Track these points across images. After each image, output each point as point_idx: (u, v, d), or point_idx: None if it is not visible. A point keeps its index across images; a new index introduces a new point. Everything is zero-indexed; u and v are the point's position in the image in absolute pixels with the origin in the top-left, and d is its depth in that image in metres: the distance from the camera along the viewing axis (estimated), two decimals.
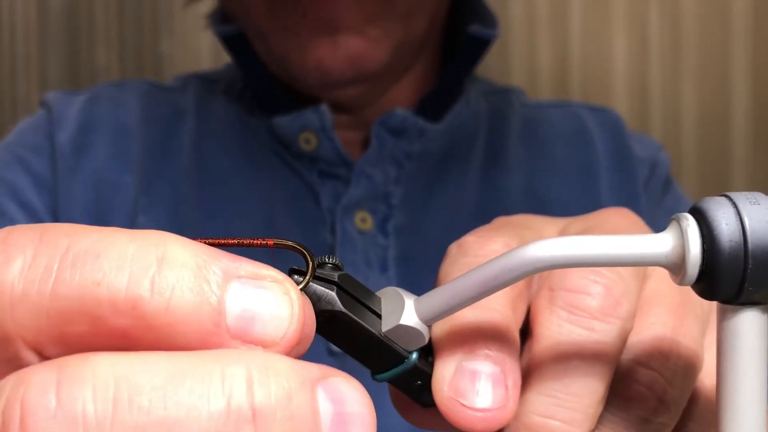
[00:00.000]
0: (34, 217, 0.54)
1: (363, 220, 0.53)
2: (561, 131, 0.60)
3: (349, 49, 0.50)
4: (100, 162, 0.55)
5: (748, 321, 0.21)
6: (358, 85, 0.52)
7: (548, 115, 0.62)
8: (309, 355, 0.16)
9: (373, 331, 0.23)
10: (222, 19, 0.56)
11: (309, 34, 0.50)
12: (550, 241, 0.21)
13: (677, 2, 1.15)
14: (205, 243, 0.18)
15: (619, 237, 0.21)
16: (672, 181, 0.62)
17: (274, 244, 0.22)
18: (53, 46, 1.30)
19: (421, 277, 0.52)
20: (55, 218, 0.54)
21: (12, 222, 0.53)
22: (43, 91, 1.30)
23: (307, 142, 0.53)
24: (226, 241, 0.21)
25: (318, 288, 0.22)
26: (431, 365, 0.24)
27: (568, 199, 0.57)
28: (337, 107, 0.55)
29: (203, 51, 1.25)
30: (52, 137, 0.56)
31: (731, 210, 0.20)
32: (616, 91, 1.17)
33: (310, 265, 0.22)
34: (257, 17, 0.52)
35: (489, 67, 0.59)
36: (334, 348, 0.50)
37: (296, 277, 0.22)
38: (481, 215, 0.55)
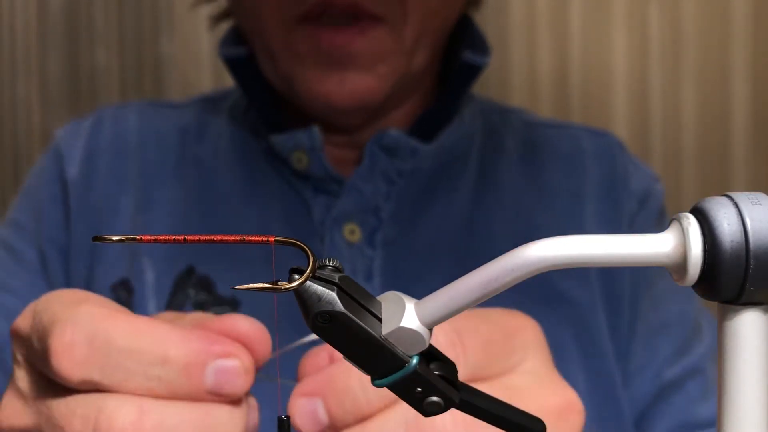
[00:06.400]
0: (44, 263, 0.57)
1: (351, 232, 0.54)
2: (555, 154, 0.61)
3: (355, 85, 0.51)
4: (102, 184, 0.57)
5: (749, 321, 0.21)
6: (358, 114, 0.54)
7: (545, 136, 0.62)
8: None
9: (373, 333, 0.22)
10: (232, 41, 0.58)
11: (320, 66, 0.51)
12: (551, 241, 0.21)
13: (677, 2, 1.15)
14: (207, 240, 0.18)
15: (621, 237, 0.21)
16: (665, 214, 0.61)
17: (275, 240, 0.22)
18: (53, 46, 1.30)
19: (405, 289, 0.52)
20: (66, 256, 0.56)
21: (32, 267, 0.57)
22: (43, 91, 1.30)
23: (299, 160, 0.55)
24: (229, 238, 0.22)
25: (318, 288, 0.22)
26: (432, 372, 0.23)
27: (555, 224, 0.57)
28: (333, 128, 0.56)
29: (203, 51, 1.25)
30: (63, 175, 0.58)
31: (733, 210, 0.20)
32: (616, 91, 1.17)
33: (311, 261, 0.22)
34: (271, 39, 0.53)
35: (489, 67, 0.59)
36: None
37: (296, 276, 0.22)
38: (468, 233, 0.56)
